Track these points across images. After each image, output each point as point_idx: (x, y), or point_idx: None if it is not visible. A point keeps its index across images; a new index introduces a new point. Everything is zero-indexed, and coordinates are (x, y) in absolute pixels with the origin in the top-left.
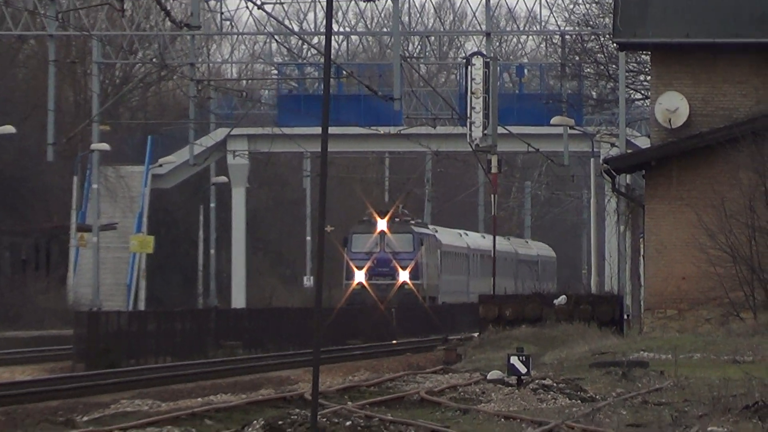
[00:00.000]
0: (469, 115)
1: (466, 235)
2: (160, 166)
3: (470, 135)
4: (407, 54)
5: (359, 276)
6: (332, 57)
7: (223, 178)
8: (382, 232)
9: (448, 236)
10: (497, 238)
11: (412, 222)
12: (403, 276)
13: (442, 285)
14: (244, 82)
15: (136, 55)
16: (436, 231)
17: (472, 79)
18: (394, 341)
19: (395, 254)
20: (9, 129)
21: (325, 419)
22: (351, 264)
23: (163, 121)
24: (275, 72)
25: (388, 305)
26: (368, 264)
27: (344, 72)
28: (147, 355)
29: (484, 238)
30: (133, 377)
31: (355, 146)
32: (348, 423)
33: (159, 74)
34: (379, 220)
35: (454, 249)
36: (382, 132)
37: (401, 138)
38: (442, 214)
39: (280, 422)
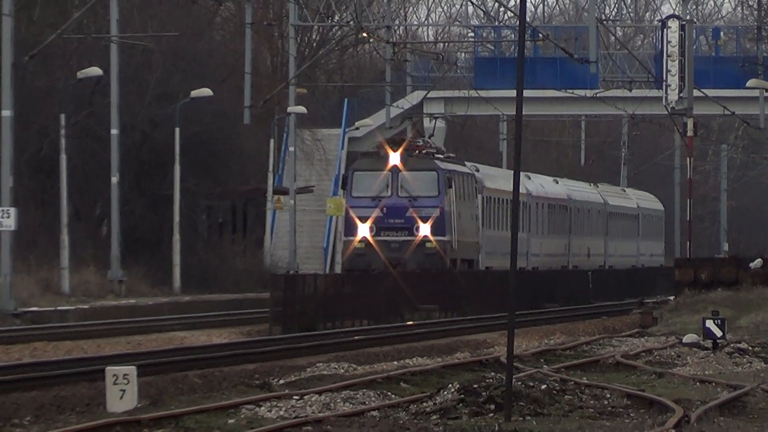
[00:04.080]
0: (665, 78)
1: (528, 178)
2: (357, 129)
3: (666, 98)
4: (603, 17)
5: (363, 230)
6: (528, 20)
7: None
8: (395, 169)
9: (495, 178)
10: (580, 183)
11: (439, 155)
12: (424, 230)
13: (485, 244)
14: (441, 44)
15: (332, 17)
16: (477, 170)
17: (668, 42)
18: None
19: (412, 200)
20: (206, 92)
21: (520, 382)
22: (351, 213)
23: (359, 83)
24: (471, 35)
25: (404, 269)
26: (375, 213)
27: (540, 35)
28: (343, 318)
29: (557, 183)
30: (329, 340)
31: (550, 109)
32: (543, 386)
33: (356, 37)
34: (390, 152)
35: (505, 195)
36: (577, 95)
37: (597, 101)
38: (638, 177)
39: (475, 385)
